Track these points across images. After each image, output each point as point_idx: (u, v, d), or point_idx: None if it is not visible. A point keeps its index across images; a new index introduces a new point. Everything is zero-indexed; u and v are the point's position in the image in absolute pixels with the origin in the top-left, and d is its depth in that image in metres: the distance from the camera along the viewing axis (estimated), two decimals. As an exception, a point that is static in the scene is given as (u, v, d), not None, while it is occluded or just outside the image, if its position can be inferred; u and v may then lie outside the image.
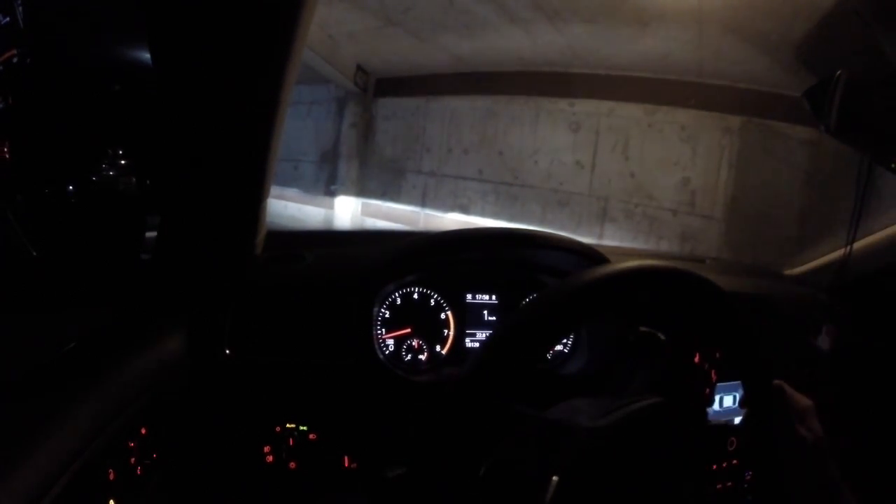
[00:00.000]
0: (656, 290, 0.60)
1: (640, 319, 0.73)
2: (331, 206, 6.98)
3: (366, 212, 6.87)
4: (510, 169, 5.56)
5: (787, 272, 1.47)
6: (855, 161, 3.13)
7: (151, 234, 0.84)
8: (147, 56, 0.64)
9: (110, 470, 0.67)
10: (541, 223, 5.23)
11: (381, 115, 6.67)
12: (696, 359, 0.71)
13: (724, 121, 4.35)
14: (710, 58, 3.95)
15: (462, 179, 6.00)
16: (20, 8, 0.75)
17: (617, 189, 4.90)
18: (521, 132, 5.46)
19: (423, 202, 6.34)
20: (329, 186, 7.05)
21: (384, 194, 6.73)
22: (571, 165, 5.13)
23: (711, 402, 0.83)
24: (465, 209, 5.92)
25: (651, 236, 4.70)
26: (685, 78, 4.37)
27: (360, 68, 6.24)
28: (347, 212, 6.90)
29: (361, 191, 6.94)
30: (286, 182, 7.74)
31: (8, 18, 0.75)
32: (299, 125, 7.65)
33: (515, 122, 5.48)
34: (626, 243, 4.74)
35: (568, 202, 5.16)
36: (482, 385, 0.50)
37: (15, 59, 0.75)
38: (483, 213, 5.75)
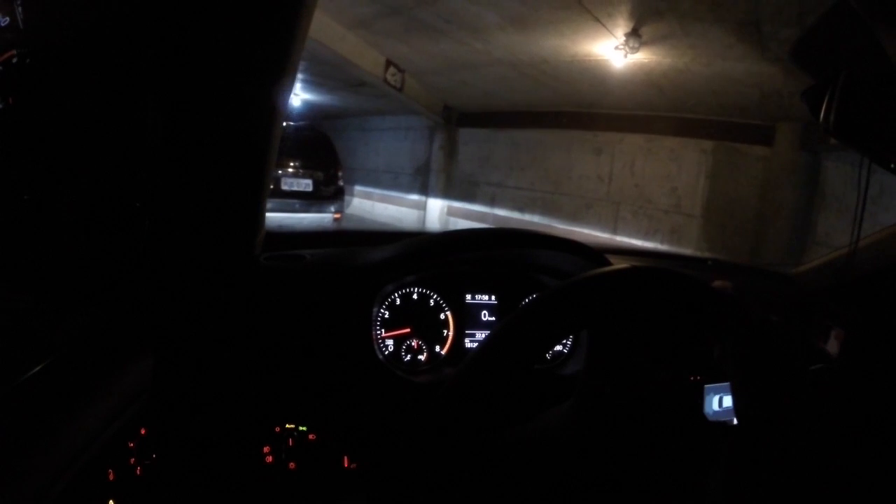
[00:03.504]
0: (641, 292, 0.59)
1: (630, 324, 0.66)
2: (423, 208, 9.45)
3: (450, 212, 9.23)
4: (552, 182, 7.69)
5: (789, 272, 1.47)
6: (799, 170, 5.13)
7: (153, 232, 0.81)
8: (146, 55, 0.65)
9: (110, 470, 0.69)
10: (573, 221, 7.29)
11: (462, 140, 9.07)
12: (688, 357, 0.71)
13: (701, 144, 6.15)
14: (677, 103, 5.96)
15: (519, 189, 8.20)
16: (20, 8, 0.74)
17: (626, 196, 6.85)
18: (560, 155, 7.57)
19: (491, 205, 8.59)
20: (422, 193, 9.58)
21: (464, 199, 9.05)
22: (594, 179, 7.16)
23: (704, 400, 0.87)
24: (521, 211, 8.10)
25: (650, 230, 6.57)
26: (671, 114, 6.24)
27: (446, 106, 8.67)
28: (436, 212, 9.30)
29: (447, 196, 9.34)
30: (388, 189, 10.47)
31: (8, 19, 0.75)
32: (399, 146, 10.38)
33: (557, 147, 7.60)
34: (633, 236, 6.66)
35: (592, 206, 7.19)
36: (474, 388, 0.51)
37: (15, 60, 0.74)
38: (533, 213, 7.89)
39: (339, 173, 6.60)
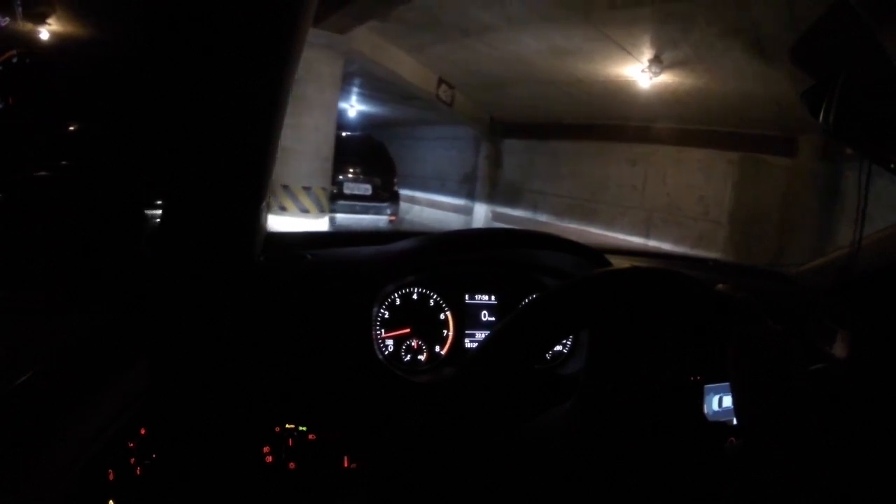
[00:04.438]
0: (641, 292, 0.61)
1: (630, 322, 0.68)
2: (469, 213, 10.32)
3: (495, 217, 10.04)
4: (590, 190, 8.39)
5: (789, 272, 1.49)
6: (820, 179, 5.72)
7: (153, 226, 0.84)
8: (147, 55, 0.75)
9: (110, 470, 0.70)
10: (608, 227, 7.95)
11: (506, 150, 9.92)
12: (688, 357, 0.72)
13: (728, 155, 6.71)
14: (703, 117, 6.61)
15: (559, 197, 8.96)
16: (20, 8, 0.95)
17: (658, 204, 7.47)
18: (597, 165, 8.27)
19: (534, 212, 9.38)
20: (468, 199, 10.47)
21: (507, 205, 9.85)
22: (629, 188, 7.82)
23: (704, 400, 0.89)
24: (560, 217, 8.81)
25: (680, 236, 7.14)
26: (699, 127, 6.85)
27: (491, 118, 9.55)
28: (481, 217, 10.13)
29: (491, 202, 10.17)
30: (436, 195, 11.44)
31: (8, 19, 0.91)
32: (446, 154, 11.34)
33: (594, 158, 8.30)
34: (664, 242, 7.20)
35: (626, 214, 7.85)
36: (474, 388, 0.53)
37: (15, 60, 0.81)
38: (571, 220, 8.58)
39: (395, 179, 7.55)
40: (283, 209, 5.59)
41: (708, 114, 6.40)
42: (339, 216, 6.73)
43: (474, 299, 1.14)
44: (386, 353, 1.05)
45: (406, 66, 6.96)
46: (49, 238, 0.77)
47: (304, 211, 5.69)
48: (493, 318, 1.14)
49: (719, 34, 4.32)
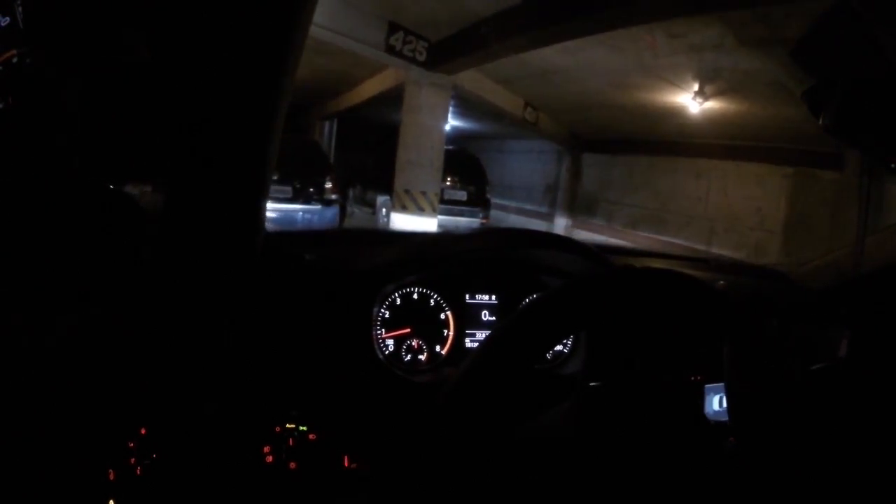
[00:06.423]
0: (640, 293, 0.63)
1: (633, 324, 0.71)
2: (551, 220, 11.81)
3: (574, 224, 11.44)
4: (660, 201, 9.63)
5: (789, 272, 1.53)
6: (865, 193, 6.95)
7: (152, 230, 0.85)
8: (146, 54, 0.67)
9: (110, 470, 0.73)
10: (675, 235, 9.10)
11: (586, 163, 11.38)
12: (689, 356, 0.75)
13: (782, 170, 7.70)
14: (756, 134, 7.77)
15: (632, 207, 10.25)
16: (20, 8, 0.77)
17: (719, 214, 8.59)
18: (667, 178, 9.50)
19: (609, 220, 10.73)
20: (550, 208, 12.03)
21: (586, 214, 11.28)
22: (694, 199, 9.01)
23: (704, 400, 0.92)
24: (634, 226, 10.11)
25: (738, 244, 8.20)
26: (755, 143, 7.94)
27: (572, 134, 11.05)
28: (561, 225, 11.58)
29: (571, 211, 11.62)
30: (521, 202, 13.08)
31: (8, 19, 0.77)
32: (532, 166, 13.00)
33: (664, 171, 9.54)
34: (724, 249, 8.26)
35: (691, 223, 9.02)
36: (475, 388, 0.55)
37: (15, 60, 0.77)
38: (643, 229, 9.85)
39: (487, 187, 9.28)
40: (403, 208, 7.47)
41: (760, 132, 7.53)
42: (440, 217, 8.30)
43: (475, 299, 1.17)
44: (386, 352, 1.08)
45: (497, 93, 8.74)
46: (50, 238, 0.80)
47: (421, 210, 7.51)
48: (494, 318, 1.18)
49: (744, 72, 5.57)
